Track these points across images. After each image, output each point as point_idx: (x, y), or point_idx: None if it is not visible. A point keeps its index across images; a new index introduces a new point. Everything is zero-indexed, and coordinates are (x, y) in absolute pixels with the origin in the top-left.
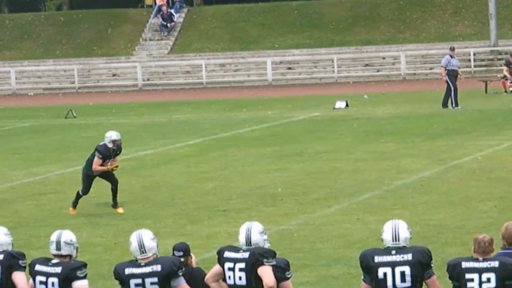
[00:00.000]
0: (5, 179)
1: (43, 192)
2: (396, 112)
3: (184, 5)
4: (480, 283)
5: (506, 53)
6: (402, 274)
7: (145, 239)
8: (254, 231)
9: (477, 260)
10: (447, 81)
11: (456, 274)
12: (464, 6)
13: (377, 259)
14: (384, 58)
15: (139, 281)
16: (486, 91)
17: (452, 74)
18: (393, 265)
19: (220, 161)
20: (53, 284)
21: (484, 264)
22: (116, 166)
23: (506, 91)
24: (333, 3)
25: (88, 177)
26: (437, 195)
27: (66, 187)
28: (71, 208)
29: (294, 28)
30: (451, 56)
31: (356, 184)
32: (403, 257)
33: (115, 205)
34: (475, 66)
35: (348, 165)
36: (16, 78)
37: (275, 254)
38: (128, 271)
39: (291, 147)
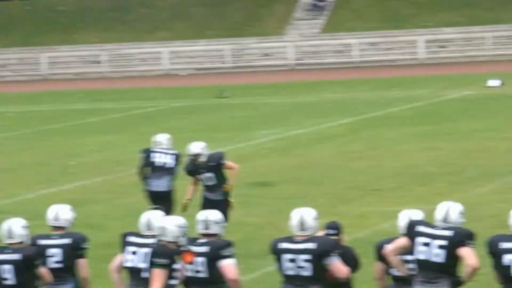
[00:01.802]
0: None
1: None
2: None
3: None
4: None
5: None
6: None
7: (306, 217)
8: (454, 210)
9: None
10: None
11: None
12: None
13: (503, 245)
14: None
15: (292, 256)
16: None
17: None
18: None
19: (372, 140)
20: (202, 263)
21: None
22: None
23: None
24: None
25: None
26: None
27: None
28: None
29: (445, 6)
30: None
31: (510, 163)
32: None
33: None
34: None
35: (502, 144)
36: (168, 59)
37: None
38: (283, 245)
39: (443, 126)
